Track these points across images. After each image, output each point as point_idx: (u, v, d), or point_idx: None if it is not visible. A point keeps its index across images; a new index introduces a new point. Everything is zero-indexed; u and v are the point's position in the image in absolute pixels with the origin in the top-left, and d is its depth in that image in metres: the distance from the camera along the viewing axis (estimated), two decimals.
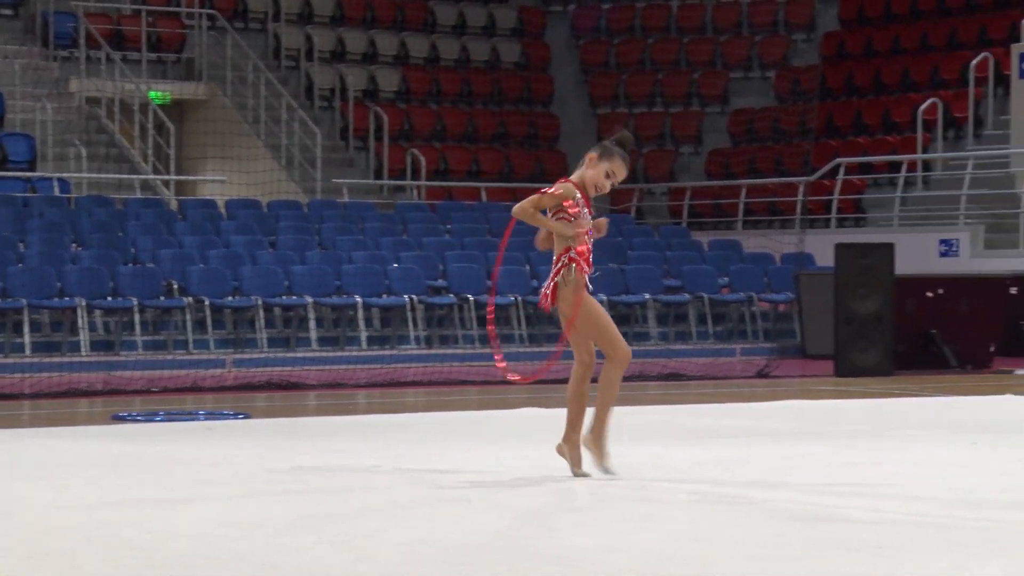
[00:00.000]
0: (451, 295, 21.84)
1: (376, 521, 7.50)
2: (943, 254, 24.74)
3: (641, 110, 31.56)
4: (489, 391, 16.51)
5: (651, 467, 9.70)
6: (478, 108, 30.60)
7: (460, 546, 6.78)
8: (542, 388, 16.66)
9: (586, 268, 8.87)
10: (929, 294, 19.83)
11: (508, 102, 31.01)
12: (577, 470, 8.94)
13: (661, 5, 32.59)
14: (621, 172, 9.12)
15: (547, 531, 7.27)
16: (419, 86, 30.32)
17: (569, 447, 8.97)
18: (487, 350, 21.13)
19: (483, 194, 27.21)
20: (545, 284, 8.95)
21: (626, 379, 17.59)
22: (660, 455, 10.38)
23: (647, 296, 22.74)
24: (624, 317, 22.89)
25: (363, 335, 21.24)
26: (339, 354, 19.82)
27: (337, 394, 16.27)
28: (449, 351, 20.83)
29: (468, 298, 21.78)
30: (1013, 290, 21.25)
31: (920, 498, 8.24)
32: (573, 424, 8.97)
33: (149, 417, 13.15)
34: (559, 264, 8.86)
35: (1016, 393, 15.62)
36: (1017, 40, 27.12)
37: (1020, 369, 19.55)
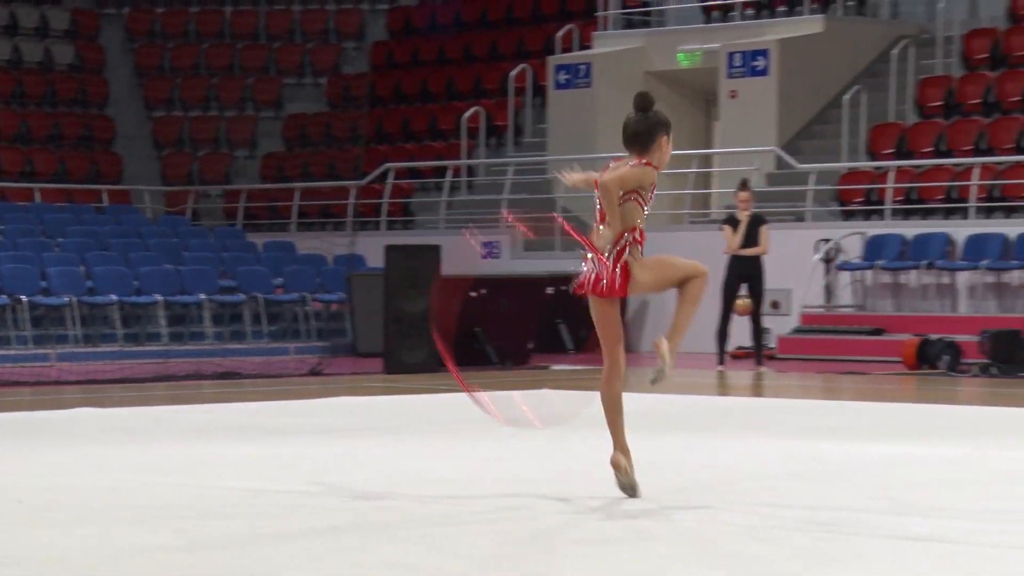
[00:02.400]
0: (4, 295, 21.20)
1: None
2: (486, 255, 25.25)
3: (196, 114, 31.25)
4: (42, 392, 16.07)
5: (206, 464, 9.62)
6: (31, 109, 29.77)
7: (15, 551, 6.61)
8: (98, 387, 16.32)
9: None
10: (474, 294, 20.21)
11: (62, 103, 30.26)
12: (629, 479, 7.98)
13: (215, 11, 32.31)
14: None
15: (99, 538, 7.13)
16: None
17: (622, 456, 7.96)
18: (40, 350, 20.58)
19: (37, 195, 26.51)
20: (598, 271, 7.94)
21: (181, 378, 17.48)
22: (217, 453, 10.31)
23: (203, 296, 22.53)
24: (179, 317, 22.67)
25: None
26: None
27: None
28: (2, 352, 20.20)
29: (21, 299, 21.18)
30: (550, 290, 21.83)
31: (469, 489, 8.41)
32: (616, 432, 7.98)
33: None
34: (619, 246, 7.93)
35: (552, 387, 16.05)
36: (552, 52, 27.90)
37: (556, 365, 20.10)
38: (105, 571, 6.12)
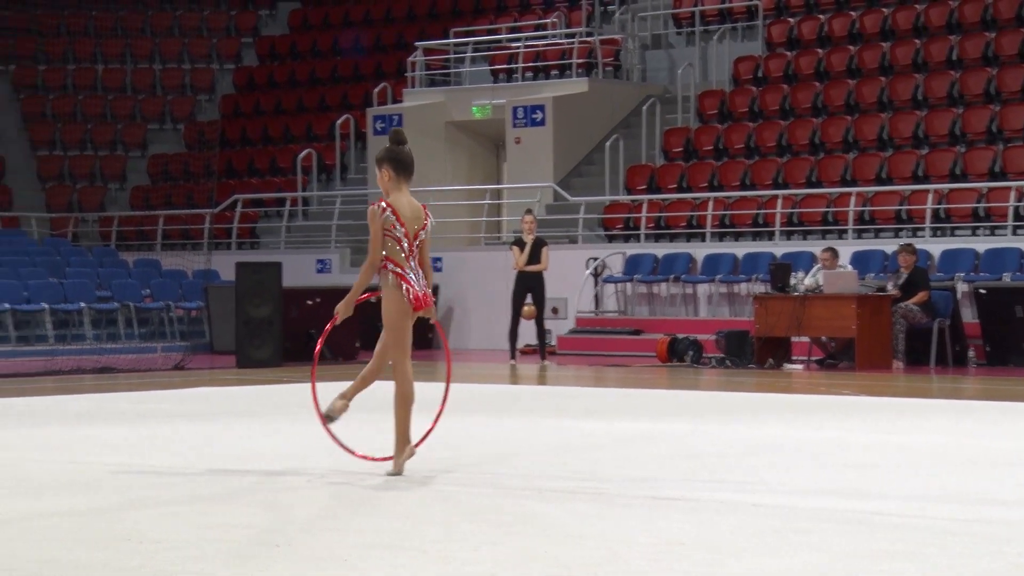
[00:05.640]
0: None
1: None
2: (319, 271, 25.09)
3: (75, 153, 30.54)
4: None
5: (87, 444, 9.39)
6: None
7: None
8: None
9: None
10: (309, 302, 20.05)
11: None
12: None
13: (89, 68, 31.65)
14: (386, 169, 7.64)
15: None
16: None
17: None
18: None
19: None
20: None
21: (65, 372, 17.05)
22: (96, 435, 10.06)
23: (83, 304, 22.04)
24: (63, 322, 22.14)
25: None
26: None
27: None
28: None
29: None
30: (372, 299, 21.69)
31: (305, 461, 8.31)
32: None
33: None
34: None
35: (379, 379, 15.93)
36: (370, 105, 27.81)
37: None
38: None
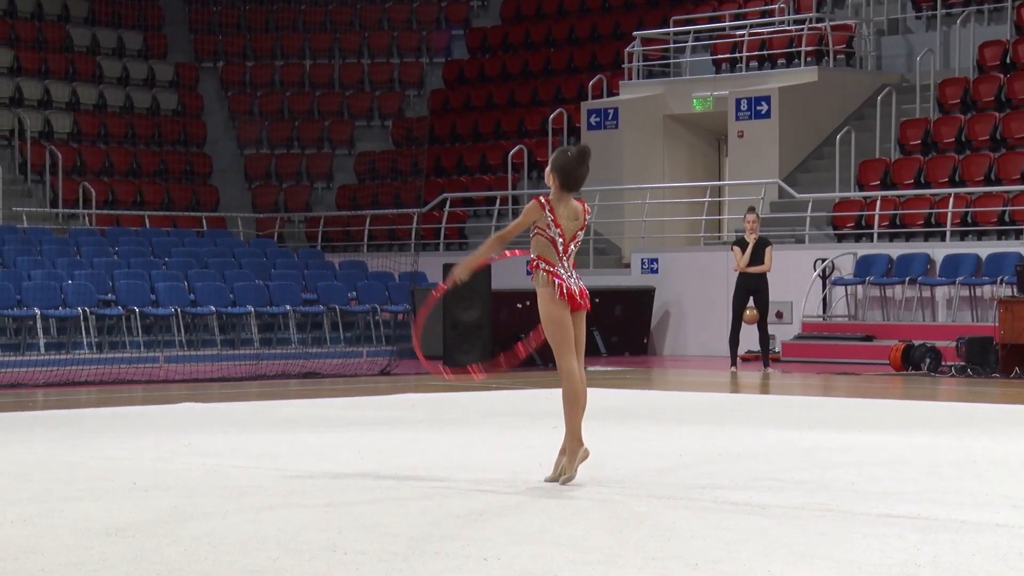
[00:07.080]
0: (119, 307, 21.27)
1: (53, 503, 7.19)
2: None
3: (281, 152, 31.30)
4: (152, 389, 16.08)
5: (291, 450, 9.58)
6: (141, 148, 29.85)
7: (129, 523, 6.56)
8: (200, 385, 16.30)
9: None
10: (519, 305, 20.17)
11: (167, 143, 30.33)
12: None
13: (296, 64, 32.39)
14: (555, 177, 7.90)
15: (203, 515, 7.08)
16: (89, 128, 29.42)
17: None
18: (150, 353, 20.61)
19: (146, 221, 26.61)
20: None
21: (270, 377, 17.47)
22: (300, 441, 10.26)
23: (288, 307, 22.56)
24: (268, 325, 22.68)
25: (41, 342, 20.49)
26: (19, 358, 19.03)
27: (18, 393, 15.61)
28: (118, 355, 20.23)
29: (134, 310, 21.24)
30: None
31: (511, 471, 8.33)
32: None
33: None
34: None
35: (592, 387, 15.93)
36: (585, 99, 27.84)
37: (590, 366, 19.95)
38: (205, 536, 6.06)
